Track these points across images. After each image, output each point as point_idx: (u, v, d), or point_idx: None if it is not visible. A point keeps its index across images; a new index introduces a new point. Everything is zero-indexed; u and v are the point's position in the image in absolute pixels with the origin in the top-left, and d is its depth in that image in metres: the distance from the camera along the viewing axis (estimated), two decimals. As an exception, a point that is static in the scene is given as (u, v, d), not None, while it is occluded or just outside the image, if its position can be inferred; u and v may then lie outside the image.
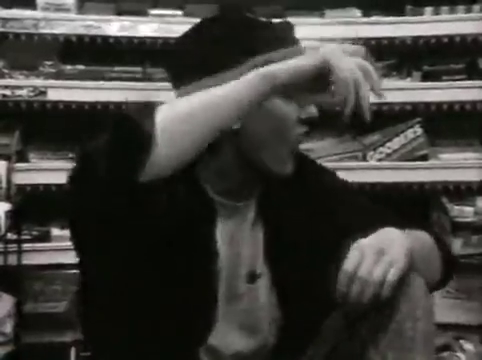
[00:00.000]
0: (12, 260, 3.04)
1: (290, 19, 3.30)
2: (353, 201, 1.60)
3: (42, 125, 3.26)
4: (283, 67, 1.31)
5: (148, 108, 1.25)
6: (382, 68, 3.39)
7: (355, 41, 3.28)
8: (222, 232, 1.49)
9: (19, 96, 3.19)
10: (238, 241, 1.51)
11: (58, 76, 3.26)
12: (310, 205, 1.55)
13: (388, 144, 3.32)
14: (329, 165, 3.29)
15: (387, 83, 3.35)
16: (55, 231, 3.23)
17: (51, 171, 3.19)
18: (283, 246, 1.49)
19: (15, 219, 3.00)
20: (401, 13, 3.38)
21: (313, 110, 1.49)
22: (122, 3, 3.38)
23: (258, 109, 1.36)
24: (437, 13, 3.35)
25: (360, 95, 1.30)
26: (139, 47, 3.28)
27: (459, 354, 3.09)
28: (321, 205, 1.56)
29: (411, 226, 1.49)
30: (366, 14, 3.39)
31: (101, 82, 3.24)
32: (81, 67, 3.28)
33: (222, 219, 1.49)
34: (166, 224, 1.36)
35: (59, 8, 3.26)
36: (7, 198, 3.04)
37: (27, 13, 3.24)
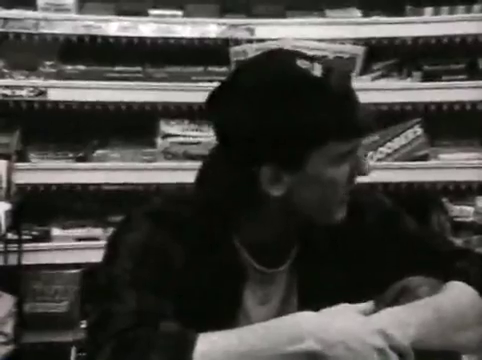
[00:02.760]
0: (12, 260, 3.05)
1: (290, 19, 3.36)
2: (400, 254, 1.52)
3: (42, 125, 3.26)
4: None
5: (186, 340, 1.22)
6: (382, 68, 3.39)
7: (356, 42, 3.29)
8: (253, 295, 1.46)
9: (19, 96, 3.19)
10: (270, 305, 1.48)
11: (58, 76, 3.26)
12: (346, 270, 1.48)
13: (388, 144, 3.32)
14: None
15: (387, 83, 3.35)
16: (55, 231, 3.24)
17: (51, 171, 3.20)
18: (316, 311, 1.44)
19: (15, 219, 3.00)
20: (401, 13, 3.38)
21: (366, 169, 1.42)
22: (122, 3, 3.38)
23: (304, 177, 1.34)
24: (437, 13, 3.35)
25: None
26: (139, 47, 3.28)
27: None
28: (359, 267, 1.49)
29: (450, 278, 1.44)
30: (366, 14, 3.39)
31: (101, 82, 3.24)
32: (81, 67, 3.28)
33: (252, 283, 1.46)
34: (199, 285, 1.36)
35: (59, 8, 3.26)
36: (7, 198, 3.04)
37: (27, 13, 3.24)
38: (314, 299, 1.41)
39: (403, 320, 1.29)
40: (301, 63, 1.34)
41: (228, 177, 1.39)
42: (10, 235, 3.01)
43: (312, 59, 1.37)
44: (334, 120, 1.33)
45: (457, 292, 1.42)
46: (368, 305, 1.30)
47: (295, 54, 1.39)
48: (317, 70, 1.34)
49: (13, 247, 3.05)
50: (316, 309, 1.29)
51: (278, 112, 1.32)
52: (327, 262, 1.47)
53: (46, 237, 3.23)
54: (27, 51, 3.27)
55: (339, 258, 1.48)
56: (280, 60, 1.39)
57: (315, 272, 1.46)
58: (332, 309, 1.27)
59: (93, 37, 3.25)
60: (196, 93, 3.20)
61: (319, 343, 1.20)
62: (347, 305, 1.28)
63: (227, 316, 1.40)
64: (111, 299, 1.30)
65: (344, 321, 1.24)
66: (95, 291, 1.37)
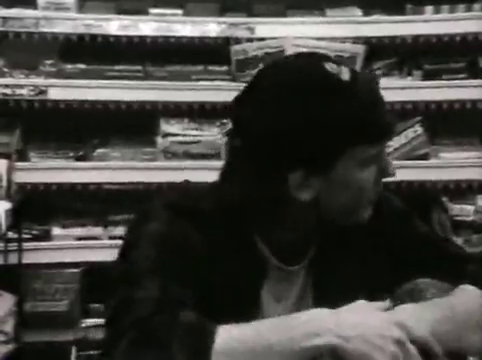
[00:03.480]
0: (13, 259, 3.05)
1: (290, 18, 3.36)
2: (417, 257, 1.52)
3: (42, 124, 3.26)
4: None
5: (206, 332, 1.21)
6: (383, 67, 3.39)
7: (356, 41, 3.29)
8: (270, 292, 1.46)
9: (20, 95, 3.19)
10: (286, 302, 1.48)
11: (58, 75, 3.26)
12: (361, 268, 1.49)
13: (389, 143, 3.31)
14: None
15: (388, 82, 3.35)
16: (55, 230, 3.24)
17: (51, 170, 3.20)
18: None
19: (15, 218, 3.00)
20: (402, 12, 3.38)
21: (392, 170, 1.41)
22: (122, 2, 3.38)
23: (332, 181, 1.34)
24: (437, 12, 3.35)
25: None
26: (139, 46, 3.28)
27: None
28: (373, 265, 1.50)
29: (460, 281, 1.44)
30: (367, 13, 3.39)
31: (102, 81, 3.24)
32: (81, 66, 3.28)
33: (270, 280, 1.45)
34: (218, 277, 1.36)
35: (59, 7, 3.26)
36: (7, 197, 3.04)
37: (28, 12, 3.24)
38: (329, 297, 1.41)
39: (419, 315, 1.30)
40: (329, 67, 1.34)
41: (256, 179, 1.38)
42: (10, 234, 3.01)
43: (340, 63, 1.37)
44: (362, 124, 1.33)
45: (468, 295, 1.42)
46: (385, 304, 1.30)
47: (323, 57, 1.39)
48: (345, 74, 1.34)
49: (13, 246, 3.05)
50: (331, 307, 1.28)
51: (306, 116, 1.31)
52: (342, 260, 1.47)
53: (46, 236, 3.23)
54: (27, 50, 3.27)
55: (354, 256, 1.49)
56: (309, 63, 1.38)
57: (331, 271, 1.47)
58: (348, 306, 1.26)
59: (93, 36, 3.25)
60: (196, 92, 3.20)
61: (337, 337, 1.20)
62: (364, 302, 1.28)
63: (243, 311, 1.38)
64: (133, 286, 1.29)
65: (361, 316, 1.23)
66: (115, 279, 1.35)
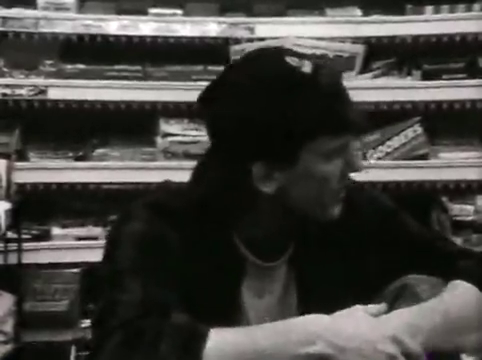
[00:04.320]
0: (12, 259, 3.05)
1: (290, 18, 3.36)
2: (398, 249, 1.51)
3: (42, 124, 3.26)
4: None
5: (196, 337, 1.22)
6: (382, 67, 3.39)
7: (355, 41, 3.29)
8: (250, 289, 1.46)
9: (19, 95, 3.19)
10: (269, 299, 1.48)
11: (58, 75, 3.26)
12: (344, 265, 1.48)
13: (388, 143, 3.32)
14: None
15: (387, 82, 3.35)
16: (55, 230, 3.24)
17: (51, 170, 3.20)
18: (316, 305, 1.38)
19: (15, 218, 3.00)
20: (401, 12, 3.37)
21: (360, 165, 1.42)
22: (122, 2, 3.38)
23: (296, 174, 1.34)
24: (437, 12, 3.35)
25: None
26: (139, 46, 3.28)
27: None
28: (357, 262, 1.49)
29: (452, 277, 1.44)
30: (366, 13, 3.39)
31: (101, 81, 3.24)
32: (81, 66, 3.28)
33: (250, 276, 1.45)
34: (196, 276, 1.37)
35: (59, 7, 3.26)
36: (7, 197, 3.04)
37: (27, 12, 3.24)
38: (313, 293, 1.43)
39: (414, 324, 1.29)
40: (290, 60, 1.35)
41: (221, 174, 1.40)
42: (10, 234, 3.01)
43: (302, 56, 1.37)
44: (323, 115, 1.33)
45: (461, 292, 1.42)
46: (380, 307, 1.30)
47: (285, 51, 1.39)
48: (306, 67, 1.35)
49: (13, 246, 3.05)
50: (315, 304, 1.30)
51: (267, 109, 1.32)
52: (324, 257, 1.47)
53: (46, 236, 3.23)
54: (27, 50, 3.27)
55: (336, 253, 1.48)
56: (269, 57, 1.39)
57: (313, 266, 1.46)
58: (344, 312, 1.27)
59: (93, 36, 3.25)
60: (196, 92, 3.18)
61: (331, 347, 1.20)
62: (358, 307, 1.27)
63: (224, 309, 1.39)
64: (116, 289, 1.30)
65: (356, 325, 1.23)
66: (99, 283, 1.37)
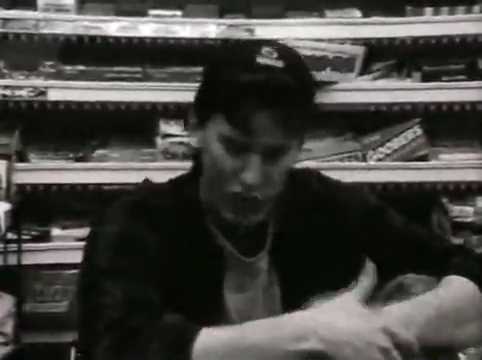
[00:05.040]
0: (12, 260, 3.05)
1: (290, 19, 3.36)
2: (384, 242, 1.51)
3: (42, 125, 3.27)
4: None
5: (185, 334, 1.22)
6: (382, 69, 3.39)
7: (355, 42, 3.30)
8: (232, 284, 1.46)
9: (19, 96, 3.19)
10: (251, 293, 1.48)
11: (58, 76, 3.27)
12: (326, 260, 1.47)
13: (388, 144, 3.32)
14: (329, 165, 3.31)
15: (387, 83, 3.35)
16: (55, 231, 3.24)
17: (51, 171, 3.20)
18: (299, 298, 1.37)
19: (15, 219, 3.00)
20: (401, 13, 3.38)
21: (247, 180, 1.35)
22: (122, 4, 3.38)
23: (203, 139, 1.39)
24: (437, 14, 3.35)
25: None
26: (139, 47, 3.29)
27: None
28: (340, 253, 1.48)
29: (446, 272, 1.43)
30: (366, 14, 3.39)
31: (101, 82, 3.24)
32: (81, 67, 3.29)
33: (232, 271, 1.45)
34: (177, 273, 1.37)
35: (59, 8, 3.26)
36: (7, 198, 3.04)
37: (27, 13, 3.24)
38: (295, 288, 1.43)
39: (407, 317, 1.29)
40: (261, 59, 1.34)
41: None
42: (10, 235, 3.01)
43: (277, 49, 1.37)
44: (227, 93, 1.34)
45: (456, 286, 1.41)
46: (361, 289, 1.29)
47: (263, 53, 1.37)
48: (271, 61, 1.34)
49: (13, 247, 3.05)
50: (299, 297, 1.30)
51: (208, 71, 1.43)
52: (305, 253, 1.47)
53: (46, 237, 3.23)
54: (27, 51, 3.27)
55: (317, 250, 1.48)
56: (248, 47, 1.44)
57: (294, 262, 1.46)
58: (335, 304, 1.26)
59: (93, 37, 3.25)
60: (196, 93, 3.21)
61: (323, 343, 1.20)
62: (347, 296, 1.27)
63: (206, 305, 1.39)
64: (97, 293, 1.30)
65: (348, 319, 1.23)
66: (81, 287, 1.37)
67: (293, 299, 1.35)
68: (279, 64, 1.33)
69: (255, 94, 1.31)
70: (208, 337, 1.21)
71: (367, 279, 1.31)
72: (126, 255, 1.34)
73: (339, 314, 1.24)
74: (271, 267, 1.49)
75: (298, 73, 1.35)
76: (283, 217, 1.48)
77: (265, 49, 1.35)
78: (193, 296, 1.38)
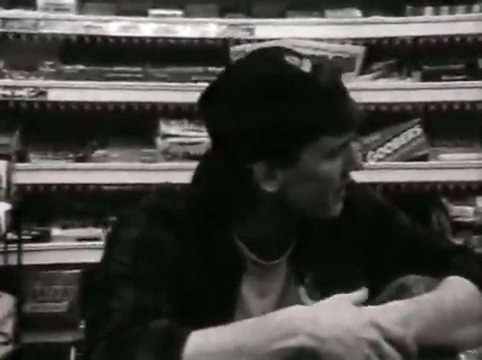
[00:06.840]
0: (12, 260, 3.05)
1: (290, 19, 3.36)
2: (396, 248, 1.51)
3: (42, 125, 3.27)
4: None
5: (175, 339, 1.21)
6: (382, 68, 3.39)
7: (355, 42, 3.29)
8: (251, 288, 1.45)
9: (19, 96, 3.19)
10: (270, 298, 1.47)
11: (58, 76, 3.27)
12: (343, 263, 1.47)
13: (388, 144, 3.32)
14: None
15: (387, 83, 3.35)
16: (55, 231, 3.24)
17: (51, 171, 3.20)
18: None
19: (15, 219, 3.00)
20: (401, 13, 3.38)
21: (360, 163, 1.42)
22: (122, 3, 3.38)
23: (297, 173, 1.35)
24: (437, 13, 3.36)
25: None
26: (139, 47, 3.29)
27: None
28: (353, 257, 1.48)
29: (447, 273, 1.43)
30: (366, 14, 3.39)
31: (101, 82, 3.24)
32: (81, 67, 3.29)
33: (250, 276, 1.45)
34: (195, 279, 1.37)
35: (59, 8, 3.26)
36: (7, 198, 3.04)
37: (27, 13, 3.24)
38: (315, 290, 1.42)
39: (405, 317, 1.28)
40: (290, 59, 1.35)
41: (223, 174, 1.40)
42: (10, 235, 3.01)
43: (301, 56, 1.37)
44: (324, 115, 1.33)
45: (456, 287, 1.41)
46: (361, 293, 1.29)
47: (284, 51, 1.39)
48: (306, 66, 1.35)
49: (13, 247, 3.04)
50: (318, 300, 1.28)
51: (267, 108, 1.32)
52: (324, 257, 1.46)
53: (46, 237, 3.23)
54: (27, 51, 3.27)
55: (335, 253, 1.47)
56: (269, 57, 1.39)
57: (312, 266, 1.45)
58: (325, 302, 1.26)
59: (93, 37, 3.25)
60: (196, 93, 3.18)
61: (311, 338, 1.19)
62: (341, 296, 1.26)
63: (225, 310, 1.39)
64: (109, 296, 1.29)
65: (336, 315, 1.22)
66: (93, 288, 1.37)
67: (313, 302, 1.34)
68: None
69: (346, 96, 1.37)
70: (197, 342, 1.20)
71: (363, 292, 1.30)
72: (144, 261, 1.34)
73: (328, 310, 1.23)
74: (289, 272, 1.48)
75: None
76: (304, 222, 1.47)
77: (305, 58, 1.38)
78: (212, 301, 1.38)
